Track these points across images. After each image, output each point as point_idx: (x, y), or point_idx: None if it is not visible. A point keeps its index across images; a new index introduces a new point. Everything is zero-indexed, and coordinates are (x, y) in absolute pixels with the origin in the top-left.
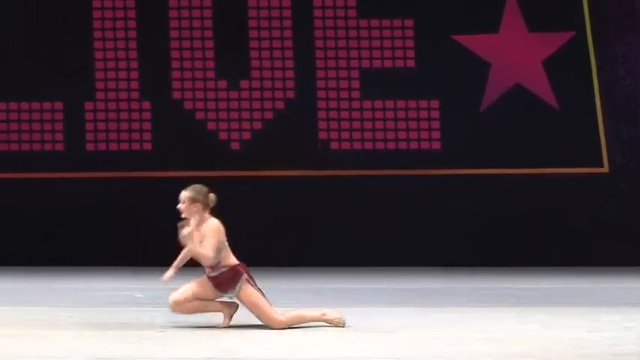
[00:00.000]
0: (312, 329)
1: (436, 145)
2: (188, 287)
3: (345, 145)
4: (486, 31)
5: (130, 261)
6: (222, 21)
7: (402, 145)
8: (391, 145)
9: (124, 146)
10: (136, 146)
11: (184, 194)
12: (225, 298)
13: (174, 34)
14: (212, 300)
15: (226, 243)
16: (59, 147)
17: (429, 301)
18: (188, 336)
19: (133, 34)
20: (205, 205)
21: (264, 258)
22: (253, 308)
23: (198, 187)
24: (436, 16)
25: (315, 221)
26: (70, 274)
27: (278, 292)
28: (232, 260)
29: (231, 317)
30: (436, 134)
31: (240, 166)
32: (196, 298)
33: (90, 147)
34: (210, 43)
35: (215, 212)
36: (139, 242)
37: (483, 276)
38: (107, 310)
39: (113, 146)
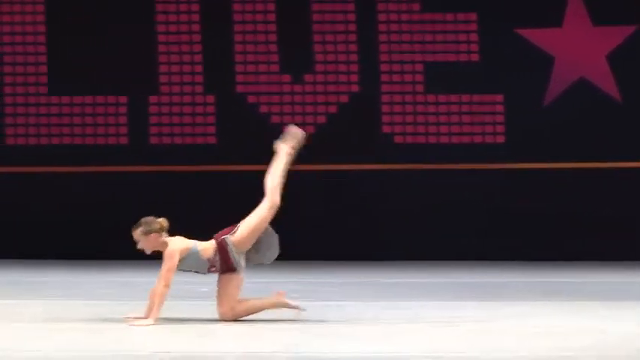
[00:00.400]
0: (379, 324)
1: (500, 139)
2: (218, 298)
3: (409, 139)
4: (550, 25)
5: None
6: (285, 15)
7: (466, 140)
8: (455, 140)
9: (188, 140)
10: (200, 140)
11: (136, 234)
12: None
13: (237, 28)
14: (241, 281)
15: (191, 244)
16: (123, 141)
17: (490, 295)
18: (249, 330)
19: (196, 27)
20: (160, 231)
21: (331, 251)
22: (254, 231)
23: (144, 219)
24: (499, 9)
25: (378, 215)
26: (135, 268)
27: (336, 286)
28: (211, 244)
29: (288, 302)
30: (500, 128)
31: (304, 160)
32: (233, 298)
33: (154, 141)
34: (273, 37)
35: (282, 204)
36: (204, 236)
37: (545, 270)
38: (167, 303)
39: (177, 140)
